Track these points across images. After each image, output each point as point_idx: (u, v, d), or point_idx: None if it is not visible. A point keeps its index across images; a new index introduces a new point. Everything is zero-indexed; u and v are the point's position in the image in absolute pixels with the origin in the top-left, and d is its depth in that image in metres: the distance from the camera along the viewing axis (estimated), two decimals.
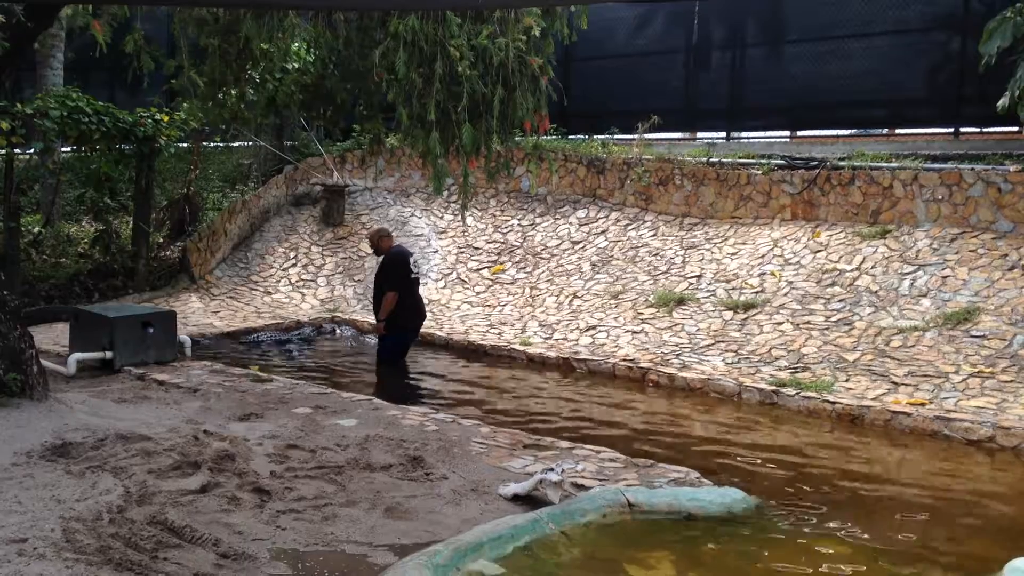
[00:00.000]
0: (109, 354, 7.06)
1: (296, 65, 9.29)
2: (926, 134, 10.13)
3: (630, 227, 10.53)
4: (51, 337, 8.20)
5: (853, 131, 11.04)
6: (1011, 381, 6.50)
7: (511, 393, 7.34)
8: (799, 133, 11.27)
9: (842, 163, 9.37)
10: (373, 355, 8.30)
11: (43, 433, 5.12)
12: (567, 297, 9.60)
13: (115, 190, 10.68)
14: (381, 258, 8.12)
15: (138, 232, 10.38)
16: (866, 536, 4.36)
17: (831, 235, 9.03)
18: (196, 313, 9.72)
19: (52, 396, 5.78)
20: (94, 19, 8.26)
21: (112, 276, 10.27)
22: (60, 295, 9.71)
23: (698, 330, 8.28)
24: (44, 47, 10.88)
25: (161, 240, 11.11)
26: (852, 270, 8.42)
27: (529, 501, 4.35)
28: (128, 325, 7.16)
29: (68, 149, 10.78)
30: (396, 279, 7.92)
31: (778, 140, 11.19)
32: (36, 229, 10.96)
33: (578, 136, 12.21)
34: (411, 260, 8.07)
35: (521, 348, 8.37)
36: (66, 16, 9.81)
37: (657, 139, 11.42)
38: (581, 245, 10.55)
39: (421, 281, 9.23)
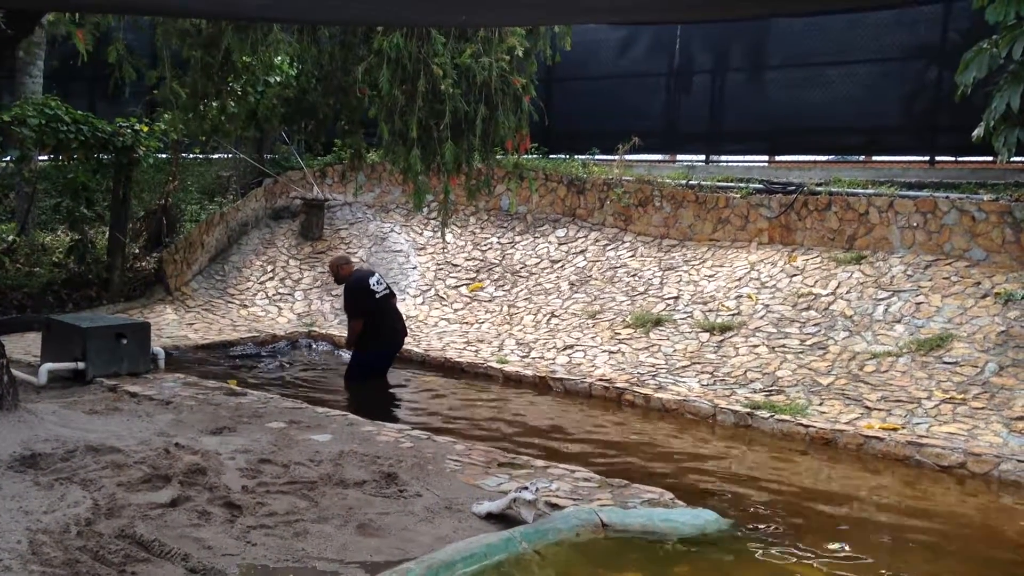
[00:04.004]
0: (81, 365, 6.98)
1: (278, 79, 9.27)
2: (902, 162, 10.27)
3: (609, 247, 10.57)
4: (23, 346, 8.11)
5: (830, 157, 11.17)
6: (982, 408, 6.56)
7: (487, 411, 7.32)
8: (777, 158, 11.38)
9: (819, 188, 9.47)
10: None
11: (12, 444, 5.05)
12: (545, 316, 9.61)
13: (92, 200, 10.59)
14: (343, 286, 8.18)
15: (114, 242, 10.29)
16: (838, 560, 4.38)
17: (807, 259, 9.11)
18: (171, 325, 9.64)
19: (22, 406, 5.71)
20: (77, 28, 8.22)
21: (86, 286, 10.18)
22: (33, 304, 9.61)
23: (674, 351, 8.30)
24: (27, 54, 10.81)
25: (137, 251, 11.03)
26: (827, 295, 8.49)
27: (503, 520, 4.34)
28: (101, 336, 7.09)
29: (45, 158, 10.70)
30: (357, 307, 7.93)
31: (757, 164, 11.31)
32: (10, 237, 10.85)
33: (559, 156, 12.27)
34: (373, 279, 8.02)
35: (498, 366, 8.36)
36: (48, 24, 9.76)
37: (637, 160, 11.49)
38: (560, 264, 10.57)
39: (398, 296, 9.20)
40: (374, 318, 7.90)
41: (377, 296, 7.93)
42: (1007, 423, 6.31)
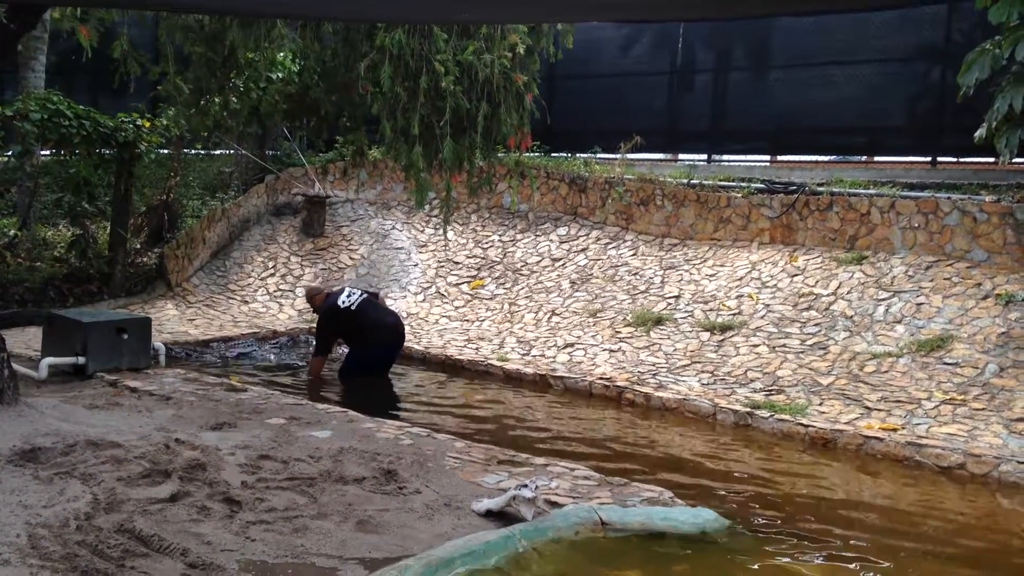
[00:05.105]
0: (82, 359, 6.98)
1: (281, 75, 9.27)
2: (904, 162, 10.27)
3: (610, 246, 10.57)
4: (23, 341, 8.11)
5: (833, 157, 11.18)
6: (982, 409, 6.56)
7: (487, 408, 7.33)
8: (779, 158, 11.39)
9: (821, 189, 9.46)
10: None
11: (12, 438, 5.06)
12: (546, 314, 9.61)
13: (93, 195, 10.59)
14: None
15: (115, 238, 10.29)
16: (836, 559, 4.38)
17: (808, 259, 9.11)
18: (172, 320, 9.64)
19: (22, 401, 5.71)
20: (81, 24, 8.23)
21: (88, 281, 10.17)
22: (34, 299, 9.61)
23: (675, 350, 8.30)
24: (27, 49, 10.82)
25: (138, 246, 11.03)
26: (828, 295, 8.48)
27: (502, 517, 4.34)
28: (102, 331, 7.08)
29: (47, 152, 10.70)
30: (326, 339, 8.10)
31: (759, 164, 11.31)
32: (12, 232, 10.85)
33: (561, 154, 12.28)
34: (342, 297, 8.08)
35: (498, 364, 8.36)
36: (51, 19, 9.77)
37: (639, 159, 11.50)
38: (561, 262, 10.57)
39: (400, 293, 9.22)
40: (353, 324, 7.99)
41: (352, 309, 8.00)
42: (1007, 424, 6.31)
